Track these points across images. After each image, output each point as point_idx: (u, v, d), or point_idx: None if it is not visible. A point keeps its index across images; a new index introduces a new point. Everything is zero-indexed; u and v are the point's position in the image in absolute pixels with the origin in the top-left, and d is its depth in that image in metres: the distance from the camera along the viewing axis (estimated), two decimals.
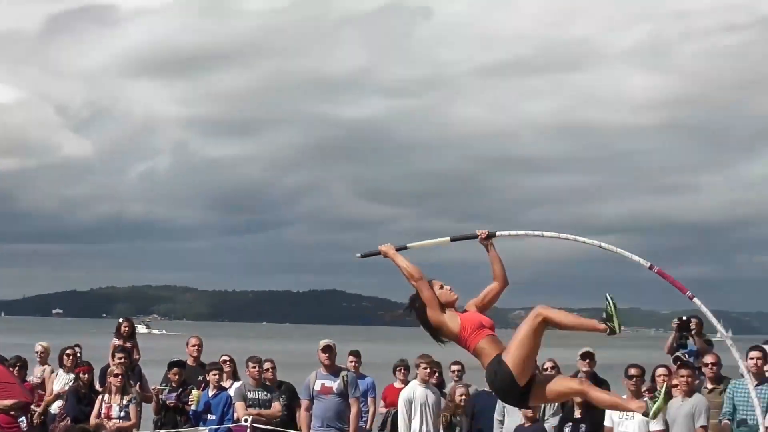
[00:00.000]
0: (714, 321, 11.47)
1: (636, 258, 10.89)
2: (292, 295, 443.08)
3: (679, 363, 15.95)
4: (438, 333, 10.27)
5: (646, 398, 11.99)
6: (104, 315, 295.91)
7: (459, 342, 10.19)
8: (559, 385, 10.08)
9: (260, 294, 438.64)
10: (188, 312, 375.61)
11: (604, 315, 9.87)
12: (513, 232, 10.91)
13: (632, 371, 15.45)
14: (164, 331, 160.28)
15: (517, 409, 15.40)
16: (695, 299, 10.95)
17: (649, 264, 10.89)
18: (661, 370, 15.90)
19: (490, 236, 10.66)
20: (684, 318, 17.20)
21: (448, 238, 11.06)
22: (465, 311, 10.35)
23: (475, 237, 10.72)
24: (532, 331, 9.76)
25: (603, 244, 11.04)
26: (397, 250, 10.65)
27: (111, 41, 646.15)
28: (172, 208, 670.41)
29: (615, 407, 11.30)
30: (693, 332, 16.87)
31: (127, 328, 19.72)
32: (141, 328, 77.05)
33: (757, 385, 14.83)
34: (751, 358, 15.06)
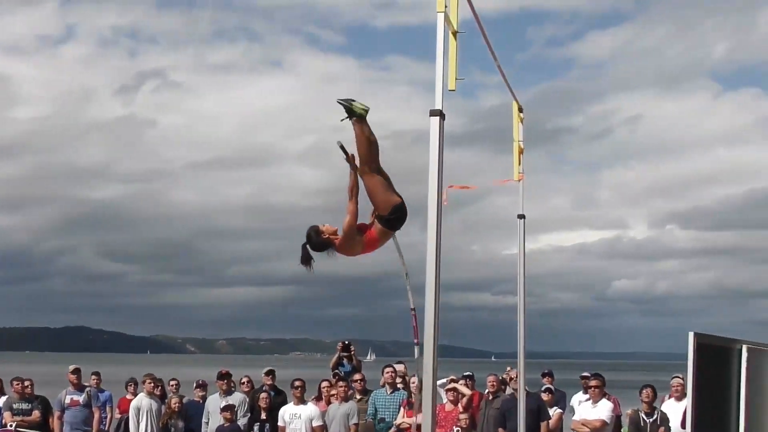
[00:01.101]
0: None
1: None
2: (50, 330, 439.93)
3: (337, 377, 16.12)
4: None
5: None
6: None
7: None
8: None
9: (27, 329, 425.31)
10: None
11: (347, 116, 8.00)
12: None
13: (296, 383, 15.45)
14: None
15: (218, 411, 15.47)
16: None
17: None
18: (325, 383, 16.12)
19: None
20: (346, 342, 17.18)
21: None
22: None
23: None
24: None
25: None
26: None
27: None
28: None
29: None
30: (352, 353, 16.98)
31: None
32: None
33: (391, 393, 15.25)
34: (387, 373, 15.47)
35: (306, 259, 8.63)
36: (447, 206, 7.92)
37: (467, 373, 16.42)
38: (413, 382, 14.76)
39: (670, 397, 15.22)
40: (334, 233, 8.40)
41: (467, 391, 15.39)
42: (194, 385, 17.28)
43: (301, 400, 15.41)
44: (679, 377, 14.88)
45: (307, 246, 8.54)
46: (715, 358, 6.43)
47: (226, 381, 16.24)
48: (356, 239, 8.31)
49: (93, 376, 18.37)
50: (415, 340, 11.19)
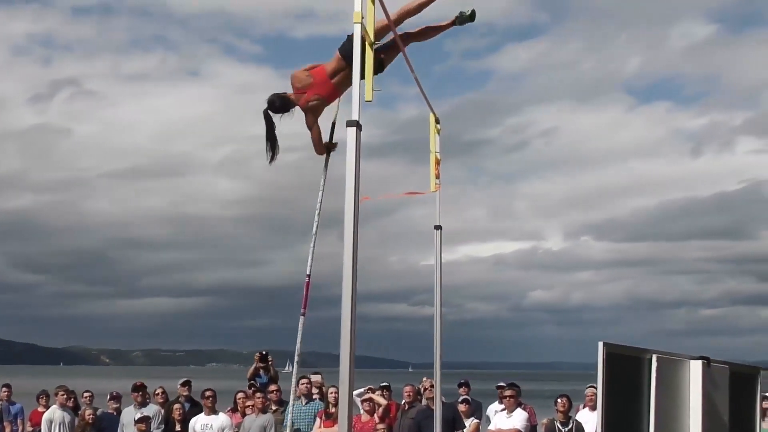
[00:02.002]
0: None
1: None
2: None
3: (253, 389, 16.04)
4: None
5: None
6: None
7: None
8: None
9: None
10: None
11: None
12: None
13: (206, 393, 15.53)
14: None
15: (132, 423, 15.28)
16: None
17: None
18: (240, 394, 16.04)
19: None
20: (263, 352, 17.08)
21: None
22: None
23: None
24: None
25: None
26: None
27: None
28: None
29: None
30: (270, 363, 16.91)
31: None
32: None
33: (306, 403, 15.23)
34: (303, 383, 15.44)
35: (271, 131, 8.92)
36: (364, 217, 7.94)
37: (384, 384, 16.44)
38: (332, 393, 14.75)
39: (584, 407, 15.42)
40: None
41: (383, 402, 15.41)
42: (108, 396, 17.04)
43: (213, 411, 15.35)
44: (593, 387, 15.06)
45: (269, 112, 8.79)
46: (625, 368, 6.53)
47: (140, 393, 16.04)
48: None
49: (4, 389, 18.11)
50: (303, 310, 11.24)
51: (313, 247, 10.86)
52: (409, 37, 8.94)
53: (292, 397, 10.70)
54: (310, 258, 10.54)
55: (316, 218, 10.58)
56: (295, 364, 11.75)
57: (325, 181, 9.56)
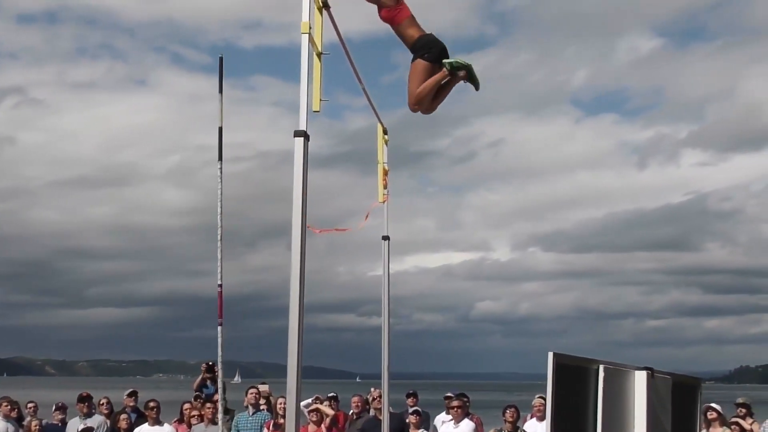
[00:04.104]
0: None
1: None
2: None
3: (200, 400, 15.90)
4: None
5: None
6: None
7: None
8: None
9: None
10: None
11: (449, 67, 8.17)
12: None
13: (150, 404, 15.35)
14: None
15: None
16: None
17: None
18: (187, 405, 15.90)
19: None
20: (210, 363, 16.94)
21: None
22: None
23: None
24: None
25: None
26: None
27: None
28: None
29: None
30: (216, 373, 16.77)
31: None
32: None
33: (253, 413, 15.13)
34: (251, 393, 15.33)
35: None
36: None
37: (331, 394, 16.39)
38: (281, 403, 14.68)
39: (532, 417, 15.48)
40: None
41: (330, 412, 15.36)
42: (54, 407, 16.83)
43: (157, 422, 15.23)
44: (541, 397, 15.14)
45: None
46: (573, 378, 6.55)
47: (85, 403, 15.88)
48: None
49: None
50: (219, 320, 11.21)
51: (221, 258, 10.90)
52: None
53: (220, 408, 10.66)
54: (219, 269, 10.58)
55: (219, 231, 10.62)
56: (220, 372, 11.71)
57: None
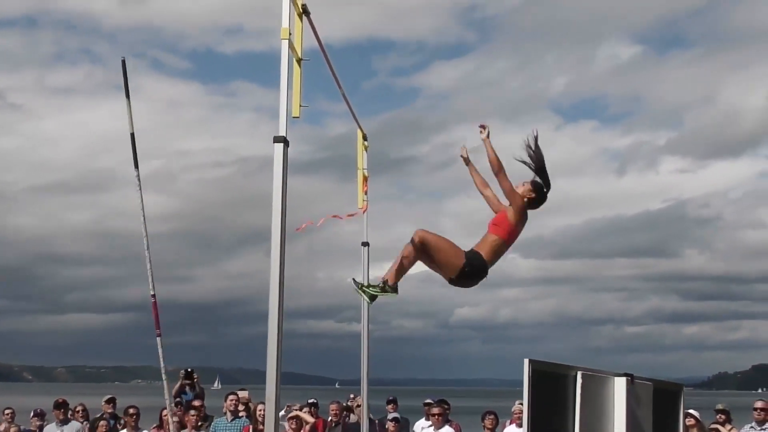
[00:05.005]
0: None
1: None
2: None
3: (180, 407, 15.85)
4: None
5: None
6: None
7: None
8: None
9: None
10: None
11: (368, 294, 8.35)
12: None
13: (130, 410, 15.30)
14: None
15: None
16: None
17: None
18: (166, 412, 15.82)
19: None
20: (189, 369, 16.87)
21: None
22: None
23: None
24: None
25: None
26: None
27: None
28: None
29: None
30: (195, 380, 16.71)
31: None
32: None
33: (232, 420, 15.07)
34: (231, 401, 15.28)
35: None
36: (292, 233, 7.90)
37: (312, 401, 16.36)
38: (260, 411, 14.63)
39: (511, 423, 15.48)
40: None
41: (310, 419, 15.32)
42: (31, 414, 16.74)
43: (136, 428, 15.17)
44: (521, 403, 15.16)
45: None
46: (551, 385, 6.57)
47: (62, 410, 15.81)
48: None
49: None
50: (157, 331, 11.21)
51: (150, 268, 10.92)
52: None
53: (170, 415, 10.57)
54: (150, 278, 10.60)
55: (144, 241, 10.64)
56: (164, 383, 11.71)
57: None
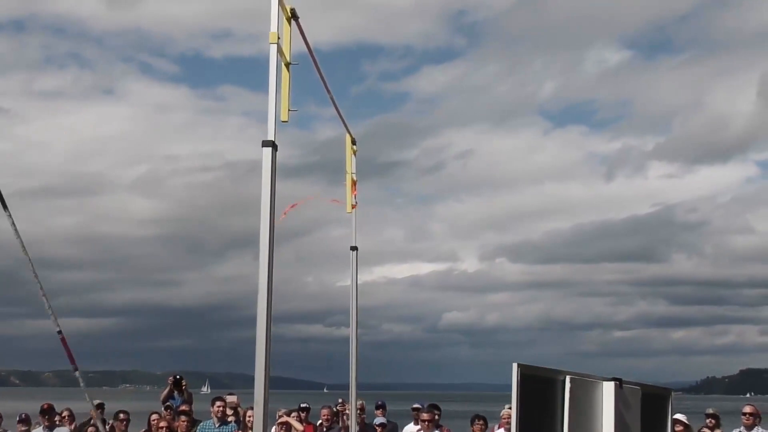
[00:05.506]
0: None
1: None
2: None
3: (169, 411, 15.84)
4: None
5: None
6: None
7: None
8: None
9: None
10: None
11: None
12: None
13: (120, 415, 15.46)
14: None
15: None
16: None
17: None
18: (154, 416, 15.82)
19: None
20: (178, 376, 16.86)
21: None
22: None
23: None
24: None
25: None
26: None
27: None
28: None
29: None
30: (183, 387, 16.70)
31: None
32: None
33: (219, 425, 15.06)
34: (218, 407, 15.27)
35: None
36: (280, 237, 7.88)
37: (303, 405, 16.33)
38: (249, 416, 14.61)
39: (500, 428, 15.49)
40: None
41: (300, 427, 15.30)
42: (17, 419, 16.68)
43: None
44: (510, 408, 15.16)
45: None
46: (539, 389, 6.57)
47: (47, 416, 15.76)
48: None
49: None
50: (73, 365, 11.27)
51: (47, 301, 10.97)
52: None
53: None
54: (51, 314, 10.68)
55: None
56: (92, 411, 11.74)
57: None
